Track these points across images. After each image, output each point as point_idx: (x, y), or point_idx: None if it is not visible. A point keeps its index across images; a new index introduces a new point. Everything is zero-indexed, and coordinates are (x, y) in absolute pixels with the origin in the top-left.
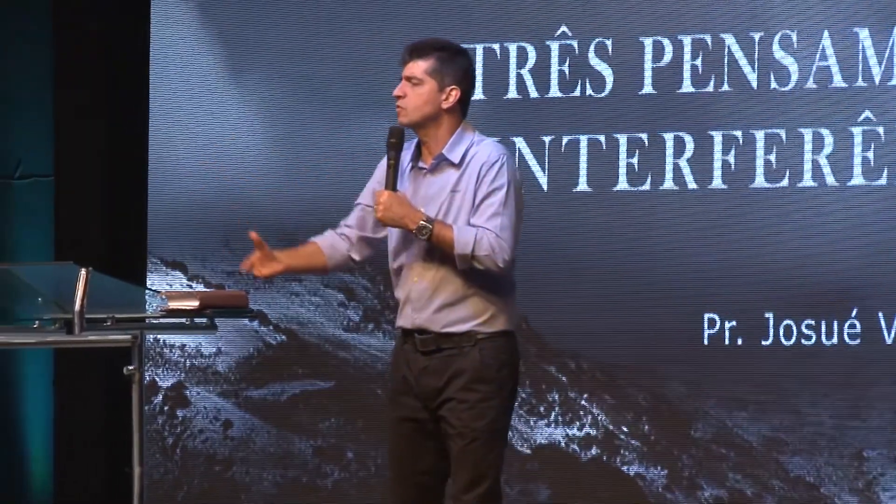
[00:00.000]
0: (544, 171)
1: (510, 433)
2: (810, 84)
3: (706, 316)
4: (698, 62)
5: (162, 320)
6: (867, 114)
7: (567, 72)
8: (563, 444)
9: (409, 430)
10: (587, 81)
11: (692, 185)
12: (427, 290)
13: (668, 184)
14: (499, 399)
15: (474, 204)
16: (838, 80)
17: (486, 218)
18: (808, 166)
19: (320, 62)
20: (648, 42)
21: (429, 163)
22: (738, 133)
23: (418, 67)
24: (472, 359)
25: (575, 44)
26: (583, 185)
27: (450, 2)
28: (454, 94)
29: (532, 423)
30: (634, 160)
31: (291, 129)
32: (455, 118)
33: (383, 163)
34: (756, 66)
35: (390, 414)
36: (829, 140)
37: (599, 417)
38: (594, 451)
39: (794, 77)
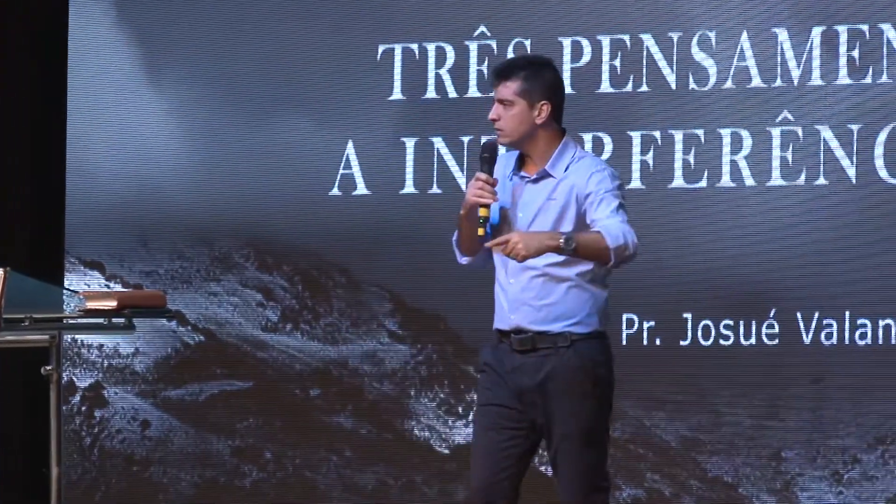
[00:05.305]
0: (463, 171)
1: (428, 433)
2: (729, 84)
3: (624, 316)
4: (617, 62)
5: (80, 320)
6: (786, 114)
7: (486, 72)
8: None
9: (495, 414)
10: None
11: None
12: (522, 290)
13: None
14: (594, 399)
15: (578, 210)
16: (757, 81)
17: (610, 211)
18: (726, 167)
19: (236, 62)
20: (567, 42)
21: (532, 174)
22: (657, 133)
23: (508, 89)
24: (567, 358)
25: (494, 44)
26: None
27: (366, 2)
28: (545, 108)
29: (450, 423)
30: None
31: (207, 130)
32: (551, 130)
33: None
34: (675, 66)
35: (479, 403)
36: (747, 140)
37: None
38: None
39: (713, 77)
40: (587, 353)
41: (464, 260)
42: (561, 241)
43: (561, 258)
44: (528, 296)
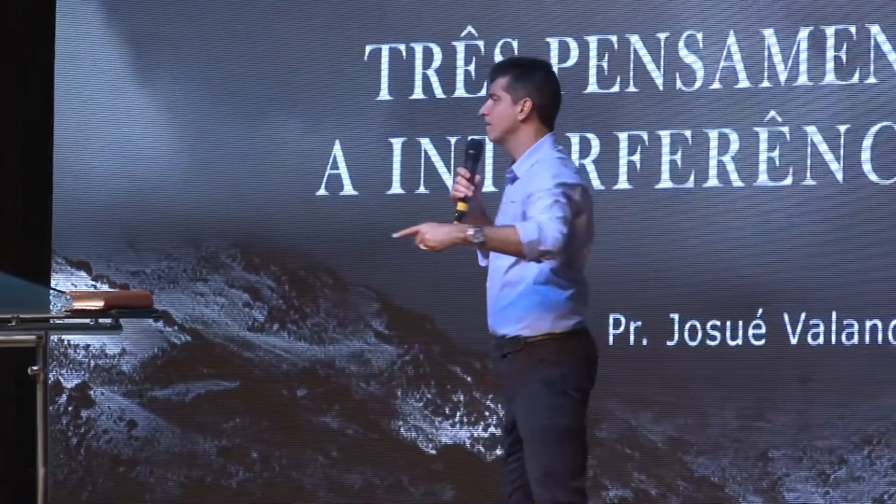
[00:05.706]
0: (450, 172)
1: (415, 434)
2: (716, 85)
3: (611, 316)
4: (604, 63)
5: (67, 321)
6: (772, 114)
7: (473, 72)
8: (467, 445)
9: (503, 434)
10: None
11: (598, 185)
12: (492, 295)
13: None
14: (547, 399)
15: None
16: (744, 81)
17: (543, 208)
18: (713, 167)
19: (227, 62)
20: (554, 42)
21: (510, 174)
22: (644, 133)
23: (498, 85)
24: (519, 362)
25: (481, 44)
26: (490, 186)
27: (354, 2)
28: (527, 105)
29: (437, 423)
30: None
31: (198, 130)
32: (532, 129)
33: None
34: (662, 66)
35: None
36: (734, 141)
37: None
38: (499, 451)
39: (700, 78)
40: (536, 355)
41: (484, 262)
42: (469, 232)
43: (514, 260)
44: (493, 298)
